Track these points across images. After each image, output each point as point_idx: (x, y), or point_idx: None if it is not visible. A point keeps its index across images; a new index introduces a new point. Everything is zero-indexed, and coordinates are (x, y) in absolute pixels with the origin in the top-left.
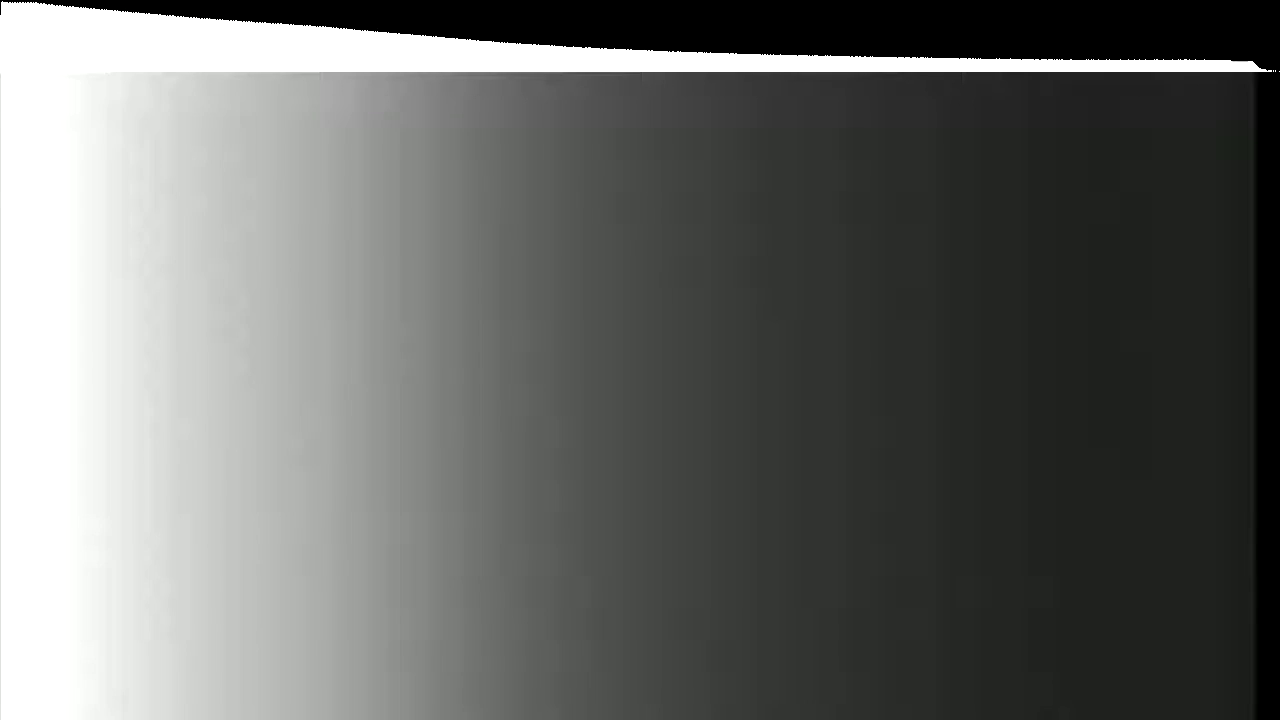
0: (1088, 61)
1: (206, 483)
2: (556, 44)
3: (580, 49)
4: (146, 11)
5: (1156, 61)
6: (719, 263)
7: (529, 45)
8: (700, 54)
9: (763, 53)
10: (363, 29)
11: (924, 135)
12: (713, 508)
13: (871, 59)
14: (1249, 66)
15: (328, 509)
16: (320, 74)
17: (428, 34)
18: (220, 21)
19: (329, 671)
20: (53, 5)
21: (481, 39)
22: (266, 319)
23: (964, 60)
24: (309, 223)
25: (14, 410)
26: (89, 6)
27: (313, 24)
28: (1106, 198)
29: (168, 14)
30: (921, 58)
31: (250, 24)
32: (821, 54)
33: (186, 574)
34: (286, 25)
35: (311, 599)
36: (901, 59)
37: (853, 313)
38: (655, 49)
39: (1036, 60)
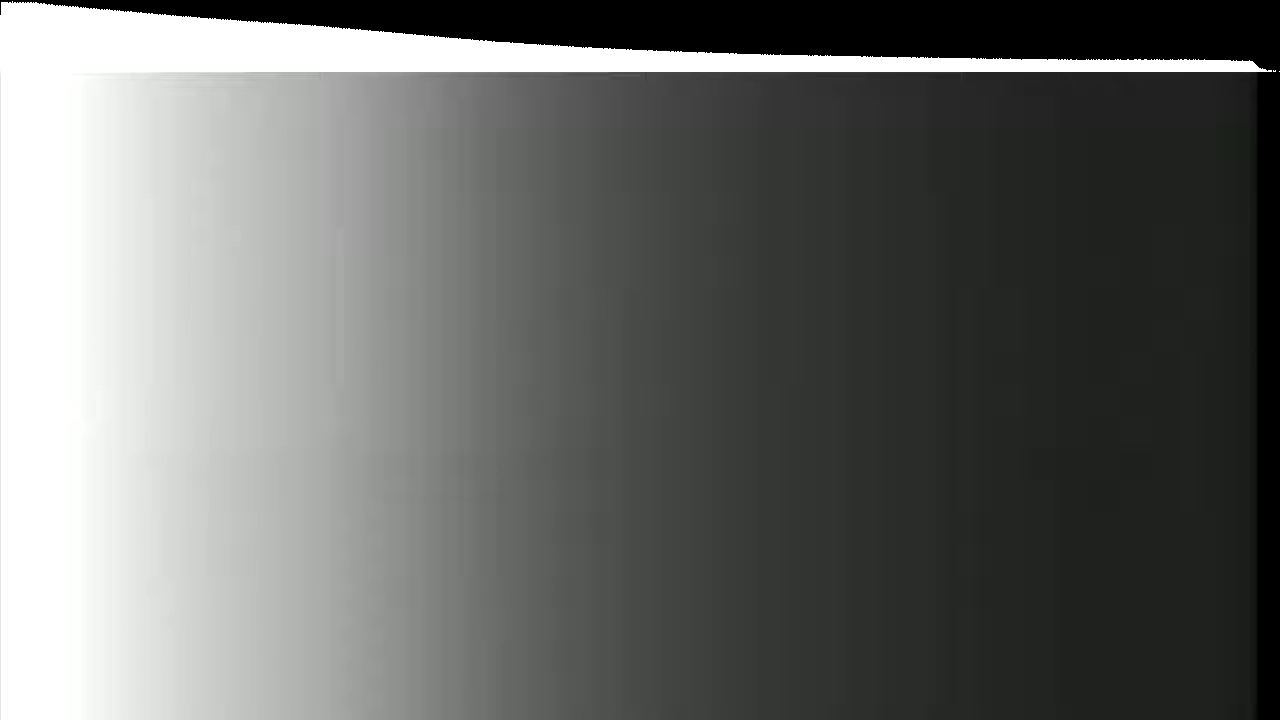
0: (1088, 61)
1: (208, 482)
2: (556, 44)
3: (580, 49)
4: (146, 11)
5: (1156, 61)
6: (719, 262)
7: (529, 45)
8: (700, 54)
9: (763, 53)
10: (363, 29)
11: (924, 135)
12: (713, 508)
13: (871, 59)
14: (1249, 66)
15: (328, 510)
16: (320, 74)
17: (429, 34)
18: (220, 21)
19: (328, 681)
20: (53, 5)
21: (483, 39)
22: (268, 316)
23: (964, 60)
24: (310, 222)
25: (15, 413)
26: (89, 6)
27: (313, 24)
28: (1106, 198)
29: (168, 14)
30: (921, 58)
31: (250, 24)
32: (821, 54)
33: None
34: (286, 25)
35: (310, 603)
36: (901, 59)
37: (853, 312)
38: (655, 49)
39: (1037, 60)
